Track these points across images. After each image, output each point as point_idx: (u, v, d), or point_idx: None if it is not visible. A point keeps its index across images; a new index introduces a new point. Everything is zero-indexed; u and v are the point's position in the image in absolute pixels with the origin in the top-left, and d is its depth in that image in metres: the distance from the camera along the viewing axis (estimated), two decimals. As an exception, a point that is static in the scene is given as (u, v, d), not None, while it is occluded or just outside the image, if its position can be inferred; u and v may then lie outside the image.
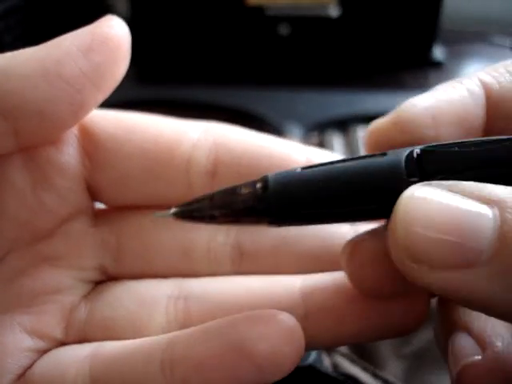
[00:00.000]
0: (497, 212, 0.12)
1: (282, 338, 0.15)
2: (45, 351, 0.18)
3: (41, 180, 0.18)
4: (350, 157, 0.15)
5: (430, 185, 0.13)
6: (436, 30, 0.62)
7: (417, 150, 0.14)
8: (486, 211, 0.12)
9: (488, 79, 0.16)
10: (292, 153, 0.18)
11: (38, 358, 0.17)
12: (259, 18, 0.61)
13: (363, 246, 0.16)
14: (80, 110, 0.17)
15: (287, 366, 0.15)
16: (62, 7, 0.67)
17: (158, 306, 0.18)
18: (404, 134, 0.16)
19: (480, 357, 0.15)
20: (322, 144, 0.45)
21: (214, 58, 0.63)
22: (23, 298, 0.18)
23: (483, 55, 0.66)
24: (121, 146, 0.18)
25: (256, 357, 0.15)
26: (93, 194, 0.19)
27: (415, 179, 0.14)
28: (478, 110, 0.16)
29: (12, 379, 0.17)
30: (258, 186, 0.15)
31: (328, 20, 0.60)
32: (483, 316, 0.16)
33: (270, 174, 0.15)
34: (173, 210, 0.15)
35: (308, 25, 0.61)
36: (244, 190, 0.15)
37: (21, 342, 0.17)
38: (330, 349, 0.27)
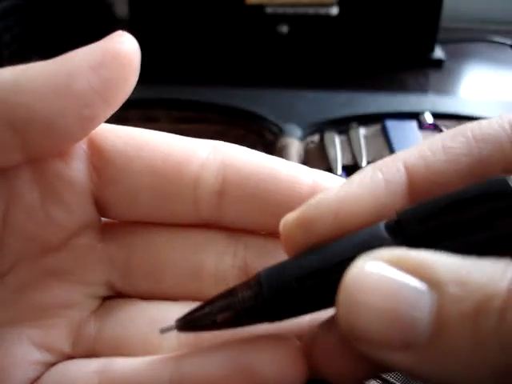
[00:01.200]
0: (435, 295, 0.12)
1: (289, 361, 0.15)
2: (52, 364, 0.18)
3: (49, 194, 0.18)
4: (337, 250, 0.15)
5: (376, 258, 0.13)
6: (436, 29, 0.62)
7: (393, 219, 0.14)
8: (424, 294, 0.12)
9: (413, 162, 0.16)
10: (298, 175, 0.18)
11: (46, 370, 0.17)
12: (259, 17, 0.61)
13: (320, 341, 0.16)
14: (89, 123, 0.17)
15: None
16: (61, 7, 0.67)
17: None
18: (307, 234, 0.15)
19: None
20: (321, 144, 0.45)
21: (214, 57, 0.63)
22: (32, 311, 0.18)
23: (483, 55, 0.66)
24: (130, 162, 0.18)
25: (263, 379, 0.15)
26: (100, 209, 0.19)
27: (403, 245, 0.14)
28: (395, 199, 0.15)
29: None
30: (254, 288, 0.15)
31: (328, 19, 0.60)
32: None
33: (262, 270, 0.15)
34: (177, 323, 0.16)
35: (307, 24, 0.61)
36: (241, 292, 0.15)
37: (29, 354, 0.17)
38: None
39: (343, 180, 0.18)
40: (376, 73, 0.61)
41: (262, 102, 0.50)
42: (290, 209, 0.16)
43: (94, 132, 0.18)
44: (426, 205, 0.14)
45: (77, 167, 0.18)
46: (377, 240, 0.14)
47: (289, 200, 0.18)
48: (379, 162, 0.16)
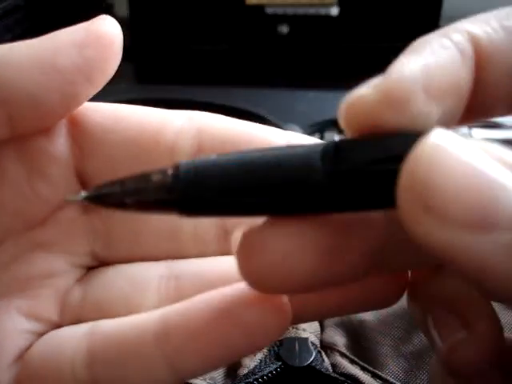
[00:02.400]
0: None
1: (269, 306, 0.15)
2: (42, 333, 0.18)
3: (34, 169, 0.18)
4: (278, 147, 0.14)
5: (463, 136, 0.11)
6: (436, 29, 0.62)
7: (336, 140, 0.14)
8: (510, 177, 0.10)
9: (479, 34, 0.14)
10: (272, 137, 0.19)
11: (36, 339, 0.18)
12: (259, 17, 0.61)
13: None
14: (72, 101, 0.18)
15: (274, 334, 0.16)
16: (61, 7, 0.67)
17: (150, 285, 0.18)
18: (393, 113, 0.13)
19: (465, 335, 0.15)
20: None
21: (214, 57, 0.63)
22: (19, 283, 0.18)
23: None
24: (107, 134, 0.19)
25: (245, 323, 0.15)
26: (82, 181, 0.19)
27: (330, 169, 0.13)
28: (468, 75, 0.14)
29: (11, 360, 0.17)
30: (169, 172, 0.14)
31: (328, 19, 0.60)
32: (465, 293, 0.16)
33: (184, 161, 0.14)
34: (83, 194, 0.15)
35: (307, 24, 0.61)
36: (155, 178, 0.14)
37: (18, 324, 0.18)
38: (328, 348, 0.27)
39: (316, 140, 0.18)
40: (376, 73, 0.61)
41: (262, 102, 0.50)
42: None
43: None
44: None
45: (59, 142, 0.18)
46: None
47: None
48: (442, 32, 0.15)
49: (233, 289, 0.16)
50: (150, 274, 0.19)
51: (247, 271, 0.14)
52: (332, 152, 0.13)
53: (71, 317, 0.19)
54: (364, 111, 0.14)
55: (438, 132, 0.11)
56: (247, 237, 0.14)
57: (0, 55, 0.16)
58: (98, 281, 0.19)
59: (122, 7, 0.68)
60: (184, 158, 0.18)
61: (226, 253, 0.19)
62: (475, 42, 0.14)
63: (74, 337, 0.17)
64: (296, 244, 0.14)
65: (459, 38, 0.14)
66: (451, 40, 0.14)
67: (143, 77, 0.60)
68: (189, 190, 0.14)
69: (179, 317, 0.16)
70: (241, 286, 0.16)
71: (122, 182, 0.15)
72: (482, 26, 0.15)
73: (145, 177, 0.15)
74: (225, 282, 0.17)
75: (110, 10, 0.71)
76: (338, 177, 0.13)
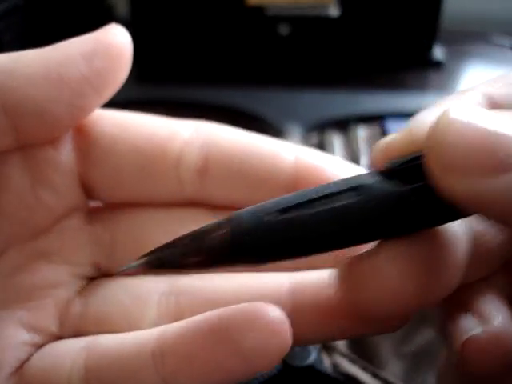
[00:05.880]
0: None
1: (269, 330, 0.15)
2: (41, 345, 0.18)
3: (39, 178, 0.18)
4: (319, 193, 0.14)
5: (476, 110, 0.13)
6: (436, 29, 0.62)
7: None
8: None
9: (491, 93, 0.16)
10: (281, 151, 0.18)
11: (35, 351, 0.18)
12: (259, 18, 0.61)
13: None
14: (79, 112, 0.17)
15: (274, 359, 0.15)
16: (61, 7, 0.67)
17: (151, 301, 0.18)
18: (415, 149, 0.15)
19: (481, 330, 0.15)
20: (321, 144, 0.45)
21: (214, 57, 0.63)
22: (21, 293, 0.18)
23: (483, 55, 0.66)
24: (114, 144, 0.18)
25: (243, 349, 0.15)
26: (87, 191, 0.19)
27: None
28: None
29: (10, 372, 0.17)
30: (228, 229, 0.14)
31: (328, 20, 0.60)
32: (484, 295, 0.16)
33: (239, 213, 0.14)
34: (140, 261, 0.15)
35: (308, 25, 0.61)
36: (214, 234, 0.14)
37: (19, 336, 0.18)
38: (328, 348, 0.27)
39: (325, 157, 0.18)
40: (376, 73, 0.61)
41: (262, 103, 0.50)
42: (274, 184, 0.17)
43: None
44: None
45: (64, 151, 0.18)
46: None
47: (272, 176, 0.18)
48: (459, 92, 0.16)
49: (232, 310, 0.16)
50: (152, 290, 0.18)
51: (363, 298, 0.14)
52: (384, 176, 0.14)
53: (71, 329, 0.18)
54: (393, 150, 0.15)
55: (451, 108, 0.13)
56: (355, 265, 0.14)
57: (7, 64, 0.16)
58: (99, 293, 0.19)
59: (123, 7, 0.68)
60: (190, 168, 0.18)
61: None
62: (489, 100, 0.16)
63: (72, 350, 0.17)
64: (408, 265, 0.14)
65: (473, 94, 0.16)
66: (466, 96, 0.16)
67: (144, 77, 0.60)
68: (255, 245, 0.14)
69: (176, 338, 0.16)
70: (241, 308, 0.15)
71: (177, 243, 0.15)
72: (493, 86, 0.16)
73: (202, 234, 0.14)
74: (227, 301, 0.16)
75: (110, 11, 0.72)
76: (423, 192, 0.14)
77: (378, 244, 0.15)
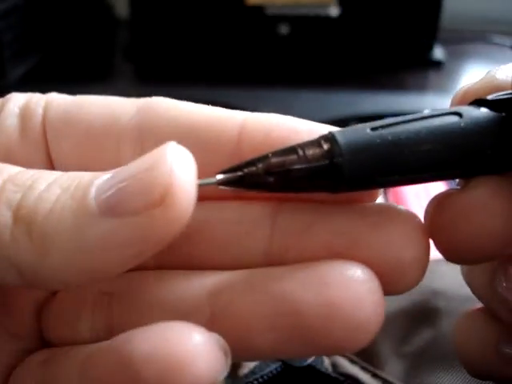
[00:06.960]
0: None
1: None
2: (29, 350, 0.17)
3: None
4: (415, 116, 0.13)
5: None
6: (436, 30, 0.62)
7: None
8: None
9: None
10: (227, 114, 0.17)
11: (24, 357, 0.17)
12: (259, 18, 0.61)
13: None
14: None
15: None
16: (61, 7, 0.67)
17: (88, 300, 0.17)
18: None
19: None
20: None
21: (214, 57, 0.63)
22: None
23: (483, 55, 0.66)
24: (69, 122, 0.18)
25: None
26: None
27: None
28: None
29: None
30: (326, 147, 0.13)
31: (328, 20, 0.60)
32: None
33: (335, 132, 0.13)
34: (219, 177, 0.13)
35: (308, 24, 0.61)
36: (308, 150, 0.13)
37: (4, 343, 0.17)
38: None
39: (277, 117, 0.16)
40: (376, 73, 0.61)
41: (262, 102, 0.50)
42: (217, 146, 0.15)
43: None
44: None
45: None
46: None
47: (217, 136, 0.16)
48: None
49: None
50: (87, 288, 0.17)
51: (461, 235, 0.13)
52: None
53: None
54: (473, 94, 0.15)
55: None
56: (450, 203, 0.14)
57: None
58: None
59: (123, 8, 0.68)
60: (126, 142, 0.17)
61: None
62: None
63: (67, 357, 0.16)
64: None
65: None
66: None
67: (143, 76, 0.60)
68: (353, 166, 0.13)
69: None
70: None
71: (262, 159, 0.13)
72: None
73: (292, 150, 0.13)
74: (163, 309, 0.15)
75: (110, 11, 0.71)
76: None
77: (475, 180, 0.14)
